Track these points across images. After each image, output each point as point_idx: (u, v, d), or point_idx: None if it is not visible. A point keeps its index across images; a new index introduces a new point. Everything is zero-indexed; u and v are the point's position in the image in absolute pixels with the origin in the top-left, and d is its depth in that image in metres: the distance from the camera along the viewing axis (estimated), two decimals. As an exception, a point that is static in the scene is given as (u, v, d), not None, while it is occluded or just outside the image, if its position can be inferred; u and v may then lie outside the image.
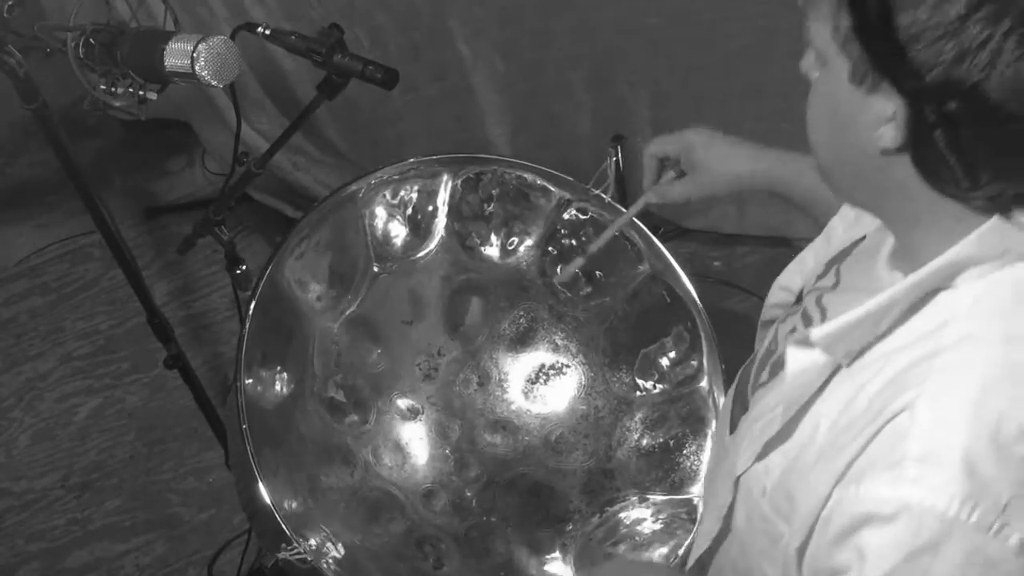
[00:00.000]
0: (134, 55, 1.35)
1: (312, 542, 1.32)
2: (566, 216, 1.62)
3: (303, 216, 1.48)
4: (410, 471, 1.62)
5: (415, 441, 1.65)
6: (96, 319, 2.58)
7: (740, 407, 1.05)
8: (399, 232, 1.63)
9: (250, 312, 1.37)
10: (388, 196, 1.60)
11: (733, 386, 1.14)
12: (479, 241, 1.66)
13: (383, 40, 2.32)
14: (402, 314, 1.68)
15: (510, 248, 1.66)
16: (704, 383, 1.53)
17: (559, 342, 1.69)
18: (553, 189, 1.60)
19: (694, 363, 1.54)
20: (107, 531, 2.22)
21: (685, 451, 1.55)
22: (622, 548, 1.51)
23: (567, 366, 1.69)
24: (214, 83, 1.31)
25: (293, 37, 1.40)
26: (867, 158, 0.78)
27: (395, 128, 2.49)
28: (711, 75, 2.24)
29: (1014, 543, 0.73)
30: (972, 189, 0.74)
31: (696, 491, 1.49)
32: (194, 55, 1.28)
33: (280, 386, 1.50)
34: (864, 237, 1.00)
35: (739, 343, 1.30)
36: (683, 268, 1.52)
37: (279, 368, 1.50)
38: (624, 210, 1.53)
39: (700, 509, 1.44)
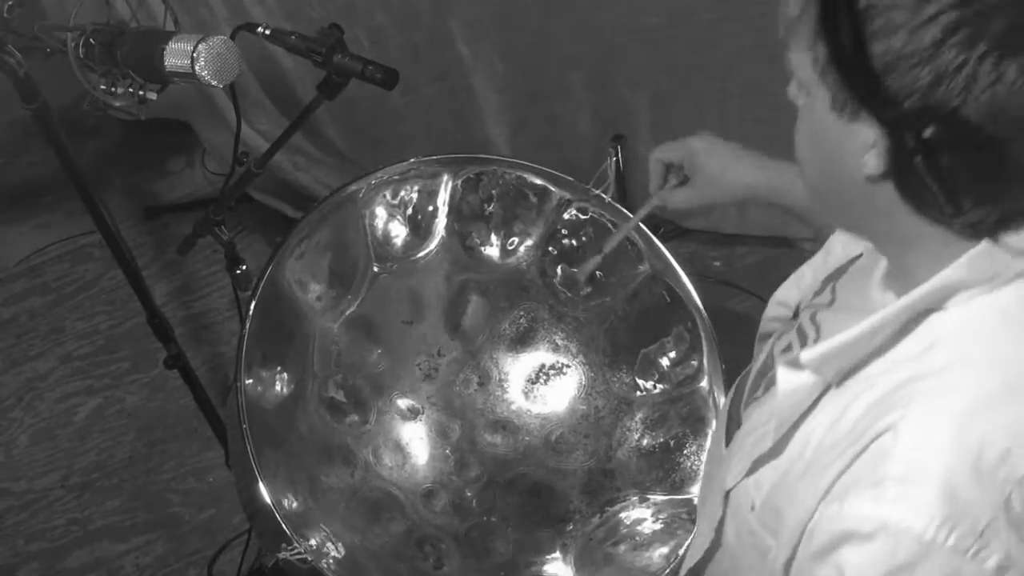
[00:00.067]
0: (134, 55, 1.35)
1: (312, 542, 1.32)
2: (566, 216, 1.62)
3: (303, 216, 1.48)
4: (410, 471, 1.62)
5: (415, 441, 1.65)
6: (96, 319, 2.58)
7: (735, 420, 1.06)
8: (399, 232, 1.63)
9: (250, 312, 1.37)
10: (388, 196, 1.60)
11: (729, 398, 1.14)
12: (479, 241, 1.66)
13: (383, 40, 2.32)
14: (402, 314, 1.68)
15: (510, 248, 1.66)
16: (704, 383, 1.53)
17: (559, 342, 1.69)
18: (553, 189, 1.60)
19: (694, 363, 1.54)
20: (107, 531, 2.22)
21: (685, 451, 1.55)
22: (622, 548, 1.51)
23: (567, 366, 1.69)
24: (214, 83, 1.31)
25: (293, 37, 1.40)
26: (853, 184, 0.78)
27: (395, 128, 2.49)
28: (711, 75, 2.24)
29: (991, 566, 0.73)
30: (955, 215, 0.74)
31: (696, 491, 1.49)
32: (194, 55, 1.28)
33: (280, 386, 1.50)
34: (861, 255, 1.00)
35: (739, 343, 1.30)
36: (683, 268, 1.52)
37: (279, 368, 1.50)
38: (626, 211, 1.54)
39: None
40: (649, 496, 1.55)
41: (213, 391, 2.16)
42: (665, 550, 1.45)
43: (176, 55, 1.30)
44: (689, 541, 1.32)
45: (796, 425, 0.88)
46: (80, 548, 2.20)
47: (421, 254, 1.64)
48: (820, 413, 0.86)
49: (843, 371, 0.84)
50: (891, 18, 0.69)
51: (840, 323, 0.87)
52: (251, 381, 1.39)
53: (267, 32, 1.41)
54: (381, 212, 1.61)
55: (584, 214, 1.61)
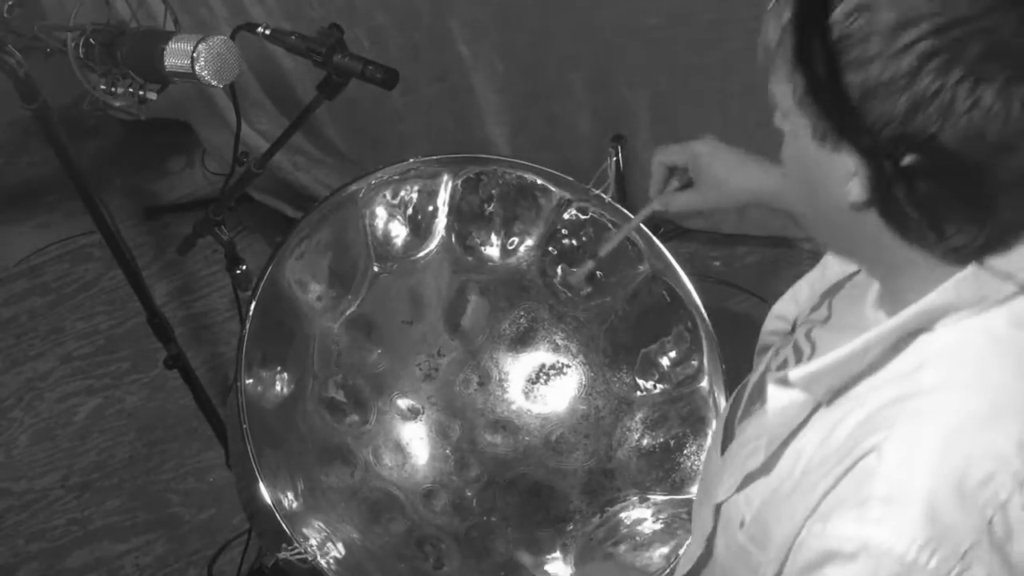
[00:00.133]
0: (134, 55, 1.35)
1: (312, 542, 1.32)
2: (566, 216, 1.62)
3: (303, 216, 1.48)
4: (410, 471, 1.62)
5: (415, 441, 1.65)
6: (96, 319, 2.58)
7: (731, 432, 1.06)
8: (399, 232, 1.63)
9: (250, 312, 1.37)
10: (388, 196, 1.60)
11: (727, 408, 1.14)
12: (479, 241, 1.66)
13: (383, 40, 2.32)
14: (402, 314, 1.68)
15: (510, 248, 1.66)
16: (704, 383, 1.53)
17: (559, 342, 1.69)
18: (553, 189, 1.60)
19: (694, 363, 1.54)
20: (107, 531, 2.22)
21: (686, 451, 1.55)
22: (622, 548, 1.51)
23: (567, 366, 1.69)
24: (214, 83, 1.31)
25: (293, 37, 1.40)
26: (839, 212, 0.78)
27: (395, 128, 2.48)
28: (711, 75, 2.24)
29: None
30: (939, 241, 0.75)
31: (696, 492, 1.49)
32: (194, 55, 1.28)
33: (280, 386, 1.50)
34: (858, 271, 1.00)
35: (739, 343, 1.30)
36: (683, 268, 1.52)
37: (279, 368, 1.50)
38: (626, 211, 1.54)
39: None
40: (649, 496, 1.55)
41: (213, 391, 2.16)
42: (665, 550, 1.45)
43: (176, 55, 1.30)
44: (685, 546, 1.32)
45: (786, 442, 0.88)
46: (80, 548, 2.20)
47: (421, 254, 1.64)
48: (810, 430, 0.86)
49: (833, 389, 0.85)
50: (866, 48, 0.70)
51: (834, 341, 0.88)
52: (251, 381, 1.39)
53: (267, 32, 1.41)
54: (381, 212, 1.61)
55: (584, 214, 1.61)
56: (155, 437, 2.36)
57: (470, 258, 1.67)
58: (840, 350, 0.82)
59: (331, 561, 1.34)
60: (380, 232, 1.61)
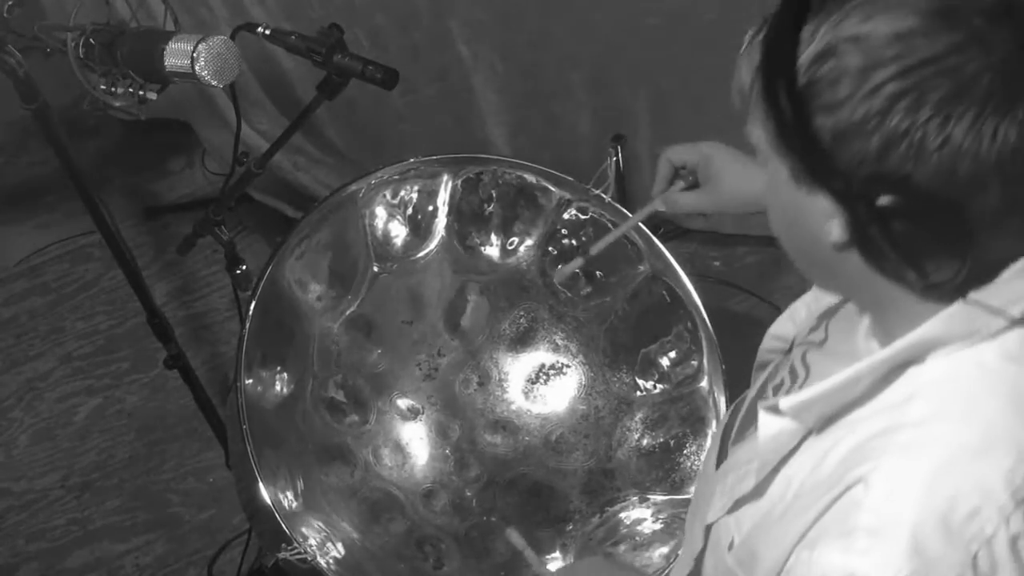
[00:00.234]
0: (134, 55, 1.35)
1: (312, 542, 1.32)
2: (566, 216, 1.62)
3: (303, 216, 1.48)
4: (410, 471, 1.62)
5: (415, 441, 1.65)
6: (96, 319, 2.58)
7: (725, 450, 1.06)
8: (399, 232, 1.63)
9: (250, 312, 1.37)
10: (388, 196, 1.60)
11: (723, 423, 1.14)
12: (479, 241, 1.66)
13: (383, 41, 2.32)
14: (402, 314, 1.68)
15: (510, 248, 1.66)
16: (704, 383, 1.53)
17: (559, 342, 1.69)
18: (553, 189, 1.60)
19: (694, 363, 1.54)
20: (107, 531, 2.22)
21: (685, 451, 1.55)
22: (622, 548, 1.51)
23: (567, 366, 1.69)
24: (214, 83, 1.31)
25: (293, 37, 1.40)
26: (822, 251, 0.78)
27: (395, 128, 2.48)
28: (711, 75, 2.22)
29: None
30: (919, 279, 0.75)
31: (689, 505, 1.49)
32: (194, 55, 1.28)
33: (280, 386, 1.50)
34: None
35: (739, 343, 1.30)
36: (683, 268, 1.52)
37: (279, 368, 1.50)
38: (626, 211, 1.54)
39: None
40: (649, 496, 1.55)
41: (213, 391, 2.16)
42: (665, 550, 1.45)
43: (176, 55, 1.30)
44: (676, 559, 1.32)
45: (777, 468, 0.88)
46: (80, 548, 2.20)
47: (421, 254, 1.64)
48: (801, 457, 0.87)
49: (823, 418, 0.85)
50: (835, 92, 0.70)
51: (827, 367, 0.88)
52: (251, 381, 1.39)
53: (267, 32, 1.41)
54: (381, 212, 1.61)
55: (584, 214, 1.61)
56: (155, 437, 2.36)
57: (470, 258, 1.67)
58: (830, 380, 0.82)
59: (331, 561, 1.34)
60: (380, 232, 1.61)
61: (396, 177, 1.58)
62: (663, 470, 1.56)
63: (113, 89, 1.38)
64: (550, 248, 1.65)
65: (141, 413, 2.40)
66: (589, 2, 2.22)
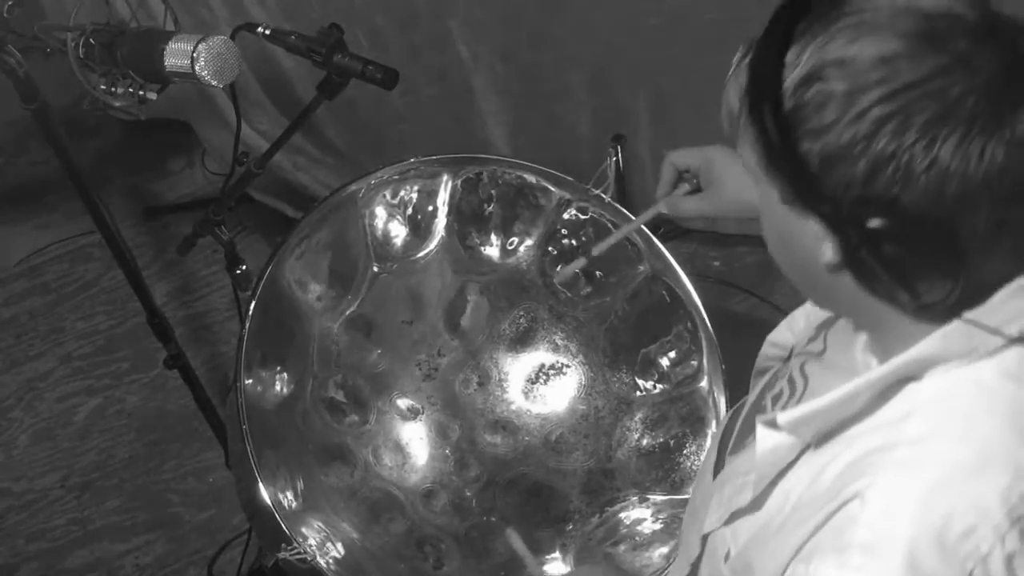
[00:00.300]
0: (134, 55, 1.35)
1: (312, 542, 1.32)
2: (566, 216, 1.62)
3: (303, 216, 1.48)
4: (410, 471, 1.62)
5: (415, 441, 1.65)
6: (96, 319, 2.58)
7: (722, 458, 1.06)
8: (399, 232, 1.63)
9: (250, 312, 1.37)
10: (388, 196, 1.60)
11: (721, 427, 1.14)
12: (479, 241, 1.66)
13: (383, 41, 2.32)
14: (402, 314, 1.68)
15: (510, 248, 1.66)
16: (704, 383, 1.53)
17: (559, 342, 1.69)
18: (553, 189, 1.60)
19: (694, 363, 1.54)
20: (107, 531, 2.22)
21: (685, 451, 1.55)
22: (622, 548, 1.51)
23: (567, 366, 1.69)
24: (214, 83, 1.31)
25: (293, 37, 1.40)
26: (816, 272, 0.78)
27: (395, 128, 2.48)
28: (711, 75, 2.22)
29: None
30: (913, 300, 0.75)
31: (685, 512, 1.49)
32: (194, 55, 1.28)
33: (280, 386, 1.50)
34: None
35: (739, 343, 1.30)
36: (683, 268, 1.52)
37: (279, 368, 1.50)
38: (626, 211, 1.54)
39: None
40: (649, 496, 1.55)
41: (213, 391, 2.16)
42: (665, 550, 1.45)
43: (176, 55, 1.30)
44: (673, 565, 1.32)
45: (775, 481, 0.89)
46: (80, 548, 2.20)
47: (421, 254, 1.64)
48: (799, 471, 0.87)
49: (821, 433, 0.85)
50: (821, 116, 0.71)
51: (825, 380, 0.89)
52: (251, 381, 1.39)
53: (267, 32, 1.41)
54: (381, 212, 1.61)
55: (584, 214, 1.61)
56: (155, 437, 2.36)
57: (470, 258, 1.67)
58: (828, 396, 0.82)
59: (331, 561, 1.34)
60: (380, 232, 1.61)
61: (396, 177, 1.58)
62: (663, 470, 1.56)
63: (113, 89, 1.38)
64: (550, 248, 1.65)
65: (141, 413, 2.40)
66: (589, 2, 2.22)
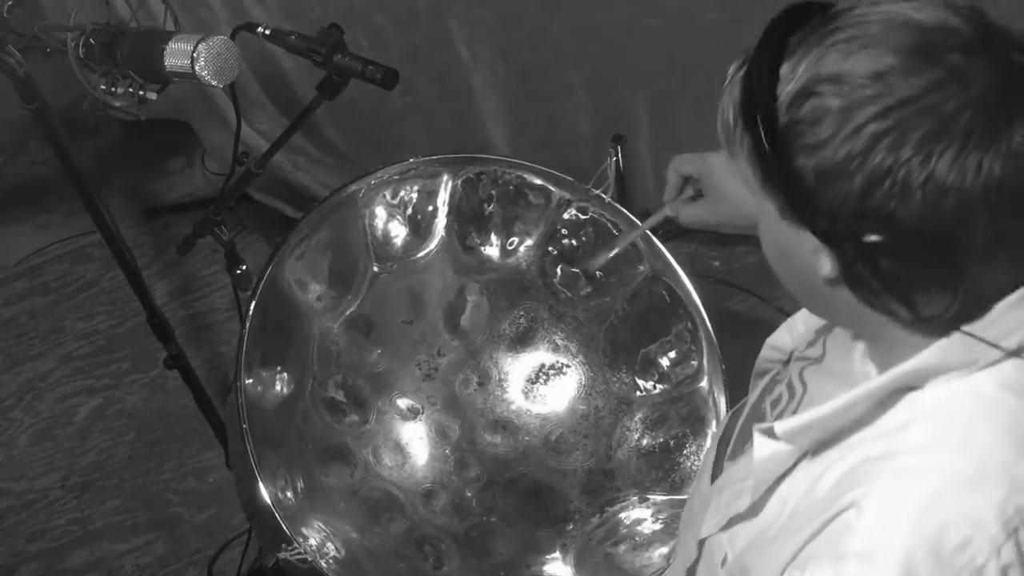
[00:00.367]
0: (134, 55, 1.35)
1: (312, 542, 1.32)
2: (566, 216, 1.62)
3: (303, 216, 1.48)
4: (410, 471, 1.62)
5: (415, 441, 1.65)
6: (96, 319, 2.58)
7: (720, 462, 1.06)
8: (399, 232, 1.63)
9: (250, 312, 1.37)
10: (388, 196, 1.60)
11: (720, 430, 1.14)
12: (479, 241, 1.66)
13: (383, 41, 2.32)
14: (402, 314, 1.68)
15: (510, 248, 1.66)
16: (704, 383, 1.53)
17: (559, 342, 1.69)
18: (553, 189, 1.60)
19: (694, 363, 1.54)
20: (107, 531, 2.22)
21: (685, 451, 1.55)
22: (622, 548, 1.51)
23: (567, 366, 1.69)
24: (214, 83, 1.31)
25: (293, 37, 1.40)
26: (815, 284, 0.78)
27: (395, 128, 2.48)
28: (711, 76, 2.23)
29: None
30: (911, 313, 0.75)
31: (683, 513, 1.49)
32: (194, 55, 1.28)
33: (280, 386, 1.50)
34: None
35: (739, 343, 1.30)
36: (683, 268, 1.52)
37: (279, 368, 1.50)
38: (626, 212, 1.54)
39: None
40: (649, 496, 1.55)
41: (213, 391, 2.16)
42: (665, 550, 1.45)
43: (176, 55, 1.30)
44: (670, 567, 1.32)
45: (772, 488, 0.89)
46: (80, 548, 2.20)
47: (421, 254, 1.64)
48: (796, 478, 0.87)
49: (818, 441, 0.85)
50: (817, 132, 0.71)
51: (824, 387, 0.89)
52: (251, 381, 1.39)
53: (267, 32, 1.41)
54: (381, 212, 1.61)
55: (584, 214, 1.61)
56: (155, 437, 2.36)
57: (470, 258, 1.67)
58: (826, 406, 0.82)
59: (331, 561, 1.34)
60: (380, 232, 1.61)
61: (396, 177, 1.58)
62: (663, 470, 1.56)
63: (113, 89, 1.38)
64: (550, 248, 1.65)
65: (141, 413, 2.40)
66: (589, 2, 2.22)
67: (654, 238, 1.52)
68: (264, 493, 1.27)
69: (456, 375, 1.69)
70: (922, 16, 0.71)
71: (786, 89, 0.72)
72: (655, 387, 1.60)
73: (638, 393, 1.62)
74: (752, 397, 1.09)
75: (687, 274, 1.51)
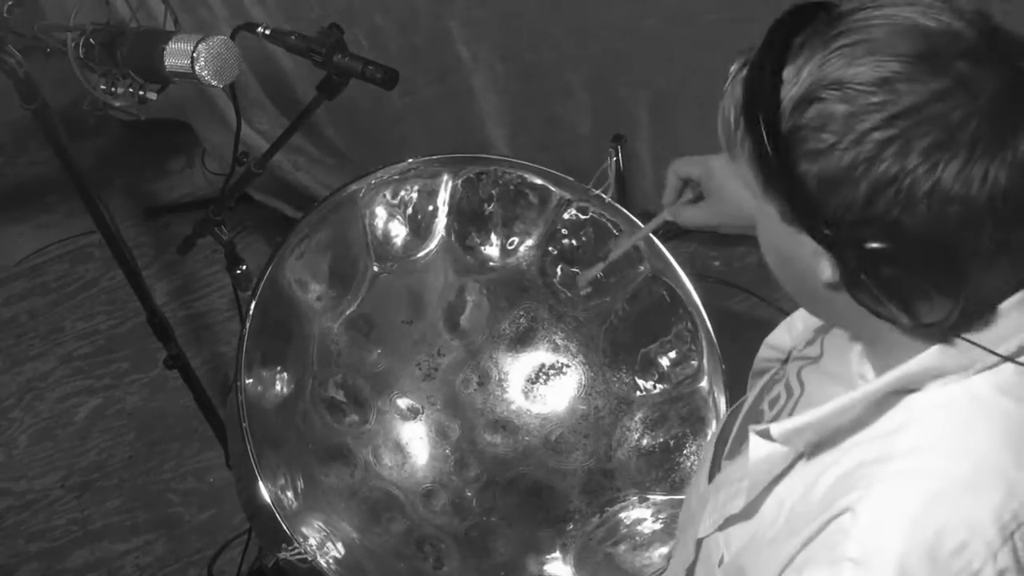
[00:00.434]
0: (134, 55, 1.35)
1: (312, 542, 1.32)
2: (566, 216, 1.62)
3: (303, 216, 1.48)
4: (410, 471, 1.62)
5: (415, 441, 1.65)
6: (96, 319, 2.58)
7: (718, 461, 1.06)
8: (399, 232, 1.63)
9: (250, 312, 1.37)
10: (388, 196, 1.60)
11: (718, 429, 1.14)
12: (479, 241, 1.66)
13: (382, 42, 2.32)
14: (402, 314, 1.68)
15: (510, 248, 1.66)
16: (704, 383, 1.53)
17: (559, 342, 1.69)
18: (553, 189, 1.60)
19: (694, 363, 1.54)
20: (107, 531, 2.22)
21: (685, 451, 1.55)
22: (622, 548, 1.51)
23: (567, 366, 1.69)
24: (214, 83, 1.31)
25: (293, 37, 1.40)
26: (814, 287, 0.78)
27: (395, 128, 2.49)
28: (711, 76, 2.22)
29: None
30: (912, 320, 0.74)
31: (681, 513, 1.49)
32: (194, 55, 1.28)
33: (280, 386, 1.50)
34: None
35: (739, 343, 1.30)
36: (683, 268, 1.51)
37: (279, 368, 1.50)
38: (626, 212, 1.54)
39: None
40: (649, 496, 1.55)
41: (213, 391, 2.16)
42: (665, 550, 1.45)
43: (176, 55, 1.30)
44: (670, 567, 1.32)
45: (768, 489, 0.88)
46: (80, 548, 2.20)
47: (421, 254, 1.64)
48: (792, 479, 0.87)
49: (814, 443, 0.85)
50: (820, 139, 0.70)
51: (820, 388, 0.89)
52: (251, 381, 1.39)
53: (267, 32, 1.41)
54: (381, 212, 1.61)
55: (584, 214, 1.61)
56: (155, 437, 2.36)
57: (470, 258, 1.67)
58: (822, 408, 0.82)
59: (331, 561, 1.34)
60: (380, 232, 1.61)
61: (396, 177, 1.58)
62: (663, 470, 1.56)
63: (113, 89, 1.38)
64: (550, 248, 1.65)
65: (141, 413, 2.40)
66: (589, 2, 2.22)
67: (654, 238, 1.52)
68: (264, 493, 1.26)
69: (456, 375, 1.69)
70: (927, 20, 0.70)
71: (789, 93, 0.71)
72: (655, 387, 1.60)
73: (638, 393, 1.62)
74: (751, 396, 1.09)
75: (687, 274, 1.51)
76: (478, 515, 1.60)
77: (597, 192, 1.53)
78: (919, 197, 0.68)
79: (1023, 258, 0.73)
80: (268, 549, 1.29)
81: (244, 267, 1.62)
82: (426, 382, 1.68)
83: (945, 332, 0.76)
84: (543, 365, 1.69)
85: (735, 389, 1.45)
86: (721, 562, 0.93)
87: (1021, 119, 0.68)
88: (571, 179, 1.57)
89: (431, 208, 1.63)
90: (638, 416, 1.60)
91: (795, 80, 0.72)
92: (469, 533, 1.57)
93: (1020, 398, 0.78)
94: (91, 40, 1.37)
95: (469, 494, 1.62)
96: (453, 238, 1.64)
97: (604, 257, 1.43)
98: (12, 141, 2.92)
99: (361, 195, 1.56)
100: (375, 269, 1.61)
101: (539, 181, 1.61)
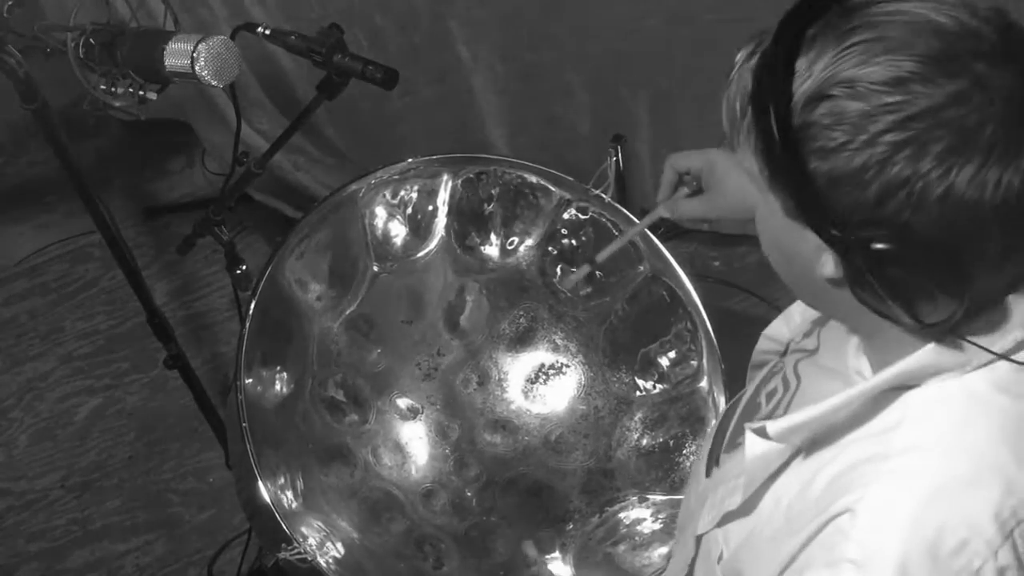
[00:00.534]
0: (134, 55, 1.35)
1: (312, 541, 1.32)
2: (566, 216, 1.62)
3: (303, 216, 1.48)
4: (410, 471, 1.62)
5: (415, 441, 1.65)
6: (96, 319, 2.58)
7: (715, 455, 1.06)
8: (399, 232, 1.63)
9: (250, 312, 1.37)
10: (388, 196, 1.60)
11: (717, 422, 1.14)
12: (479, 241, 1.66)
13: (383, 42, 2.32)
14: (402, 314, 1.68)
15: (510, 248, 1.66)
16: (704, 383, 1.53)
17: (559, 342, 1.69)
18: (553, 189, 1.60)
19: (694, 363, 1.54)
20: (107, 531, 2.22)
21: (685, 451, 1.55)
22: (622, 548, 1.51)
23: (567, 366, 1.69)
24: (214, 83, 1.31)
25: (293, 37, 1.40)
26: (815, 282, 0.77)
27: (395, 128, 2.49)
28: (711, 76, 2.23)
29: None
30: (915, 320, 0.74)
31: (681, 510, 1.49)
32: (194, 55, 1.28)
33: (280, 386, 1.50)
34: None
35: (739, 343, 1.30)
36: (683, 268, 1.52)
37: (279, 368, 1.50)
38: (626, 212, 1.54)
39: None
40: (648, 496, 1.55)
41: (213, 391, 2.16)
42: (665, 550, 1.45)
43: (176, 55, 1.30)
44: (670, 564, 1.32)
45: (765, 486, 0.88)
46: (80, 548, 2.20)
47: (421, 254, 1.64)
48: (790, 475, 0.86)
49: (810, 441, 0.84)
50: (832, 137, 0.69)
51: (816, 382, 0.89)
52: (251, 381, 1.39)
53: (267, 32, 1.41)
54: (381, 212, 1.61)
55: (584, 214, 1.61)
56: (155, 437, 2.36)
57: (470, 258, 1.67)
58: (818, 406, 0.82)
59: (330, 561, 1.34)
60: (380, 232, 1.61)
61: (396, 177, 1.58)
62: (662, 470, 1.56)
63: (113, 89, 1.38)
64: (550, 248, 1.65)
65: (141, 413, 2.40)
66: (589, 2, 2.22)
67: (654, 238, 1.52)
68: (264, 493, 1.26)
69: (456, 375, 1.69)
70: (943, 19, 0.69)
71: (801, 88, 0.70)
72: (655, 387, 1.60)
73: (638, 393, 1.62)
74: (750, 389, 1.09)
75: (687, 274, 1.51)
76: (478, 515, 1.60)
77: (597, 192, 1.53)
78: (931, 201, 0.67)
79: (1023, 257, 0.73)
80: (268, 549, 1.29)
81: (244, 267, 1.62)
82: (426, 382, 1.68)
83: (946, 333, 0.76)
84: (543, 365, 1.69)
85: (735, 389, 1.45)
86: (720, 558, 0.93)
87: None
88: (571, 179, 1.57)
89: (431, 208, 1.63)
90: (638, 416, 1.60)
91: (807, 74, 0.70)
92: (469, 533, 1.57)
93: (1017, 395, 0.77)
94: (91, 40, 1.37)
95: (469, 494, 1.62)
96: (453, 238, 1.64)
97: (591, 259, 1.43)
98: (12, 141, 2.92)
99: (361, 195, 1.56)
100: (375, 269, 1.62)
101: (539, 181, 1.61)
